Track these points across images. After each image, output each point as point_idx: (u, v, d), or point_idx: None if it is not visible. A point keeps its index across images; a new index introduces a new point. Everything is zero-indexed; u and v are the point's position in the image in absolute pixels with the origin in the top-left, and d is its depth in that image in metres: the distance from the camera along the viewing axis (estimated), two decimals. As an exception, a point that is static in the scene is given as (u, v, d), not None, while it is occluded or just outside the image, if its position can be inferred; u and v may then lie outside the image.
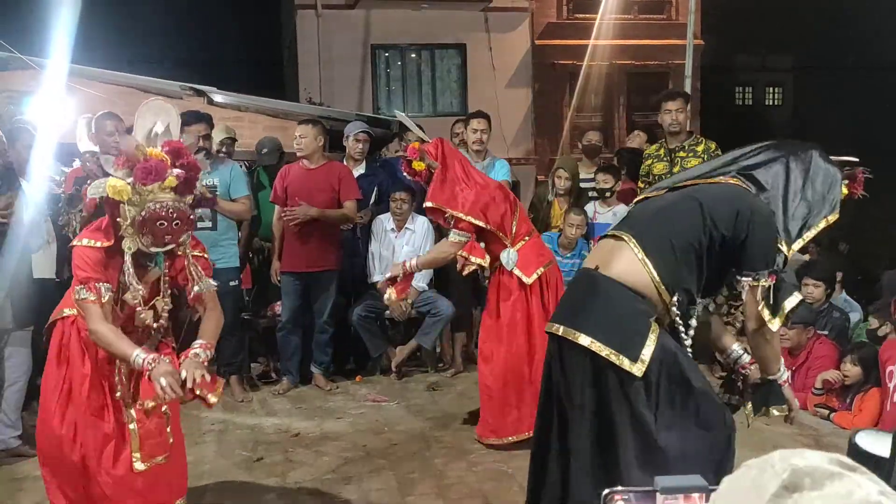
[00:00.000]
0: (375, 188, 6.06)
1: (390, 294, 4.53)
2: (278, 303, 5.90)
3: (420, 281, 5.66)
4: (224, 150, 6.17)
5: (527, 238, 4.41)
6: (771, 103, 28.00)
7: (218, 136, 5.94)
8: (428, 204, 4.36)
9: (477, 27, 15.72)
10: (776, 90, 27.98)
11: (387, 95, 15.83)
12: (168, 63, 14.66)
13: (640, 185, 5.93)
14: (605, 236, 2.69)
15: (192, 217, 2.82)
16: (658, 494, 1.12)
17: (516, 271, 4.33)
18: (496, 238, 4.35)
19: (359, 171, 5.94)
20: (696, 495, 1.12)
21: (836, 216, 2.63)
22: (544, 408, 2.64)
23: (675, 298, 2.47)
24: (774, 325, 2.51)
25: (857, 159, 2.77)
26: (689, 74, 8.24)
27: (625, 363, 2.36)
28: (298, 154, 5.58)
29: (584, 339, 2.41)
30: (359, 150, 6.00)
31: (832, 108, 21.41)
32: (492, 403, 4.37)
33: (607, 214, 6.11)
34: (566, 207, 6.14)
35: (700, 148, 5.60)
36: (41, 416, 3.10)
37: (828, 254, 8.27)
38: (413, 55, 16.03)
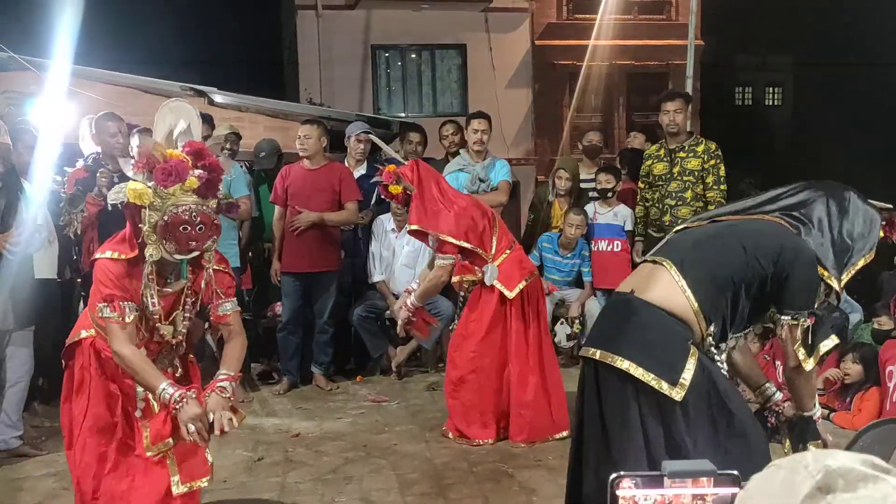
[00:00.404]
0: (376, 188, 6.06)
1: (417, 336, 4.74)
2: (279, 303, 5.91)
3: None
4: (229, 146, 6.16)
5: (508, 251, 4.45)
6: (771, 103, 27.99)
7: (222, 131, 5.96)
8: (412, 227, 4.40)
9: (477, 27, 15.72)
10: (776, 90, 27.96)
11: (387, 96, 15.82)
12: (169, 64, 14.66)
13: (640, 185, 5.94)
14: (644, 261, 2.70)
15: (216, 222, 2.67)
16: (666, 478, 1.12)
17: (498, 285, 4.36)
18: (477, 255, 4.39)
19: (360, 171, 5.95)
20: (703, 479, 1.12)
21: (873, 255, 2.65)
22: (578, 431, 2.63)
23: (711, 328, 2.47)
24: (808, 365, 2.53)
25: (891, 206, 2.82)
26: (690, 75, 8.24)
27: (664, 387, 2.35)
28: (301, 154, 5.59)
29: (622, 363, 2.39)
30: (360, 150, 6.01)
31: (832, 108, 21.40)
32: (458, 405, 4.46)
33: (608, 214, 6.12)
34: (566, 208, 6.15)
35: (700, 148, 5.61)
36: (76, 450, 2.94)
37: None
38: (413, 55, 16.03)
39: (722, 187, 5.56)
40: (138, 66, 10.02)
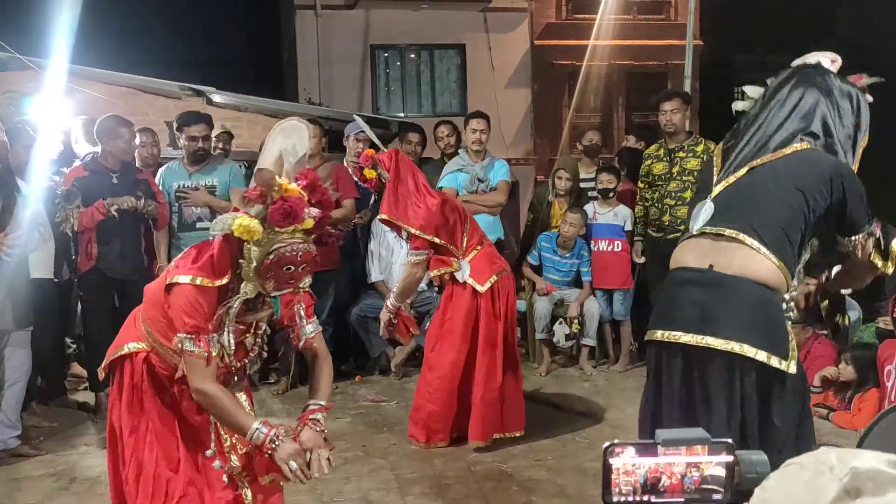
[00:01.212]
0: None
1: (399, 339, 4.69)
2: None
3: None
4: (221, 145, 6.16)
5: (478, 248, 4.43)
6: (770, 103, 27.95)
7: (214, 131, 5.96)
8: (382, 216, 4.37)
9: (476, 27, 15.71)
10: (775, 90, 27.92)
11: (386, 96, 15.81)
12: (167, 63, 14.64)
13: (640, 184, 5.94)
14: (697, 235, 2.48)
15: (317, 258, 2.48)
16: (659, 447, 1.11)
17: (470, 281, 4.34)
18: (448, 251, 4.37)
19: (358, 171, 5.94)
20: (698, 447, 1.12)
21: (867, 139, 2.59)
22: (653, 422, 2.47)
23: (794, 282, 2.41)
24: (890, 269, 2.46)
25: (877, 78, 2.71)
26: (688, 75, 8.24)
27: (774, 362, 2.26)
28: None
29: (725, 345, 2.28)
30: (359, 150, 6.00)
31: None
32: (425, 409, 4.40)
33: (608, 214, 6.11)
34: (566, 208, 6.14)
35: (699, 148, 5.61)
36: (128, 480, 2.65)
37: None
38: (412, 55, 16.02)
39: (722, 187, 5.55)
40: (137, 66, 10.01)
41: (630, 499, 1.13)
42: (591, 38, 14.24)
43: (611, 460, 1.12)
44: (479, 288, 4.32)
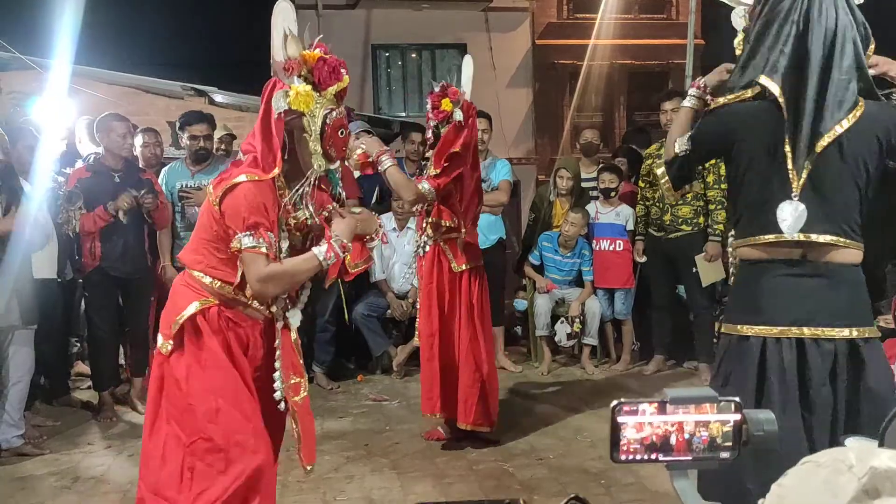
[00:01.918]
0: (377, 188, 6.07)
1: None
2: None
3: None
4: (223, 146, 6.18)
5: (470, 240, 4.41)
6: (771, 102, 27.95)
7: (216, 132, 5.98)
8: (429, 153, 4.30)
9: (477, 27, 15.71)
10: (777, 89, 27.93)
11: (387, 95, 15.82)
12: (169, 63, 14.65)
13: (641, 184, 5.95)
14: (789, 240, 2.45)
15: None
16: (668, 405, 1.12)
17: (449, 255, 4.31)
18: (455, 215, 4.30)
19: (358, 172, 5.95)
20: (707, 405, 1.12)
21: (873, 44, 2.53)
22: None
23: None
24: None
25: None
26: (689, 74, 8.23)
27: (868, 332, 2.44)
28: None
29: (845, 332, 2.39)
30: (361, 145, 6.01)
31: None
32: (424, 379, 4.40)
33: (610, 214, 6.12)
34: (568, 207, 6.15)
35: (701, 147, 5.61)
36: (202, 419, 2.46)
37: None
38: (413, 55, 16.02)
39: (723, 186, 5.56)
40: (139, 66, 10.02)
41: (638, 457, 1.12)
42: (593, 38, 14.23)
43: (619, 419, 1.13)
44: (455, 267, 4.30)
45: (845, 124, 2.38)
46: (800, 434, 2.37)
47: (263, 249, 2.34)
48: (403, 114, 14.44)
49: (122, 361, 5.65)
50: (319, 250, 2.43)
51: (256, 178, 2.34)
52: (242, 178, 2.34)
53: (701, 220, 5.62)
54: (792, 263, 2.44)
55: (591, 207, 6.18)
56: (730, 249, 2.75)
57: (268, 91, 2.39)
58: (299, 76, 2.37)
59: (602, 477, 3.86)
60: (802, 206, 2.38)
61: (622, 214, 6.09)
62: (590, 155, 6.75)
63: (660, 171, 2.71)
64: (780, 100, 2.40)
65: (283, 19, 2.42)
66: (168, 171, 5.49)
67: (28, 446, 4.38)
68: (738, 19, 2.68)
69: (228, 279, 2.45)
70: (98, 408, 5.08)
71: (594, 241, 6.14)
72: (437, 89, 4.32)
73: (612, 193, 6.10)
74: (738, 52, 2.62)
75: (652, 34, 16.23)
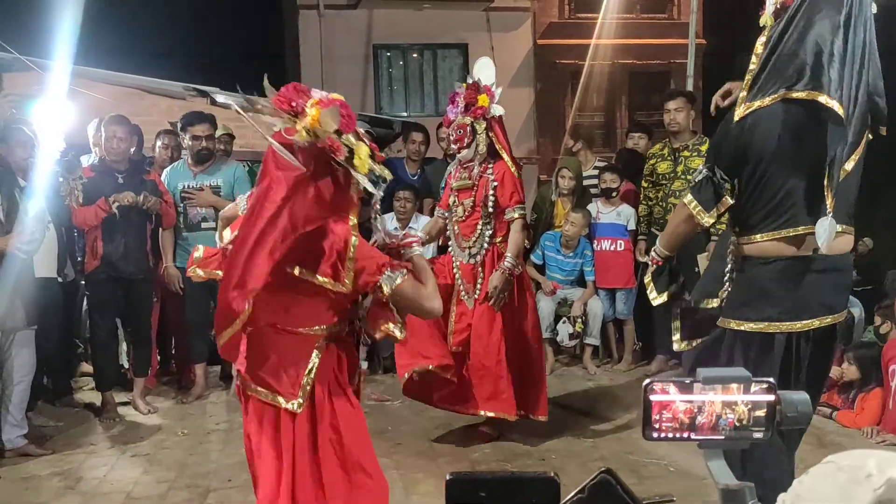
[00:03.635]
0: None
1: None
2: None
3: None
4: (223, 147, 6.18)
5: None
6: (773, 102, 27.94)
7: (216, 133, 5.98)
8: (502, 156, 4.36)
9: (479, 27, 15.71)
10: (778, 89, 27.91)
11: (389, 95, 15.83)
12: (171, 64, 14.67)
13: (644, 184, 5.94)
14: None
15: None
16: (696, 384, 1.12)
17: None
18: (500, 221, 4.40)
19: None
20: (734, 385, 1.11)
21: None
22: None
23: None
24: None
25: None
26: (691, 74, 8.24)
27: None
28: None
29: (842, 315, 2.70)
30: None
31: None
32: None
33: (611, 214, 6.12)
34: (570, 207, 6.14)
35: (704, 147, 5.61)
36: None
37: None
38: (415, 55, 16.03)
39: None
40: (140, 67, 10.01)
41: (671, 435, 1.13)
42: (594, 38, 14.23)
43: (651, 397, 1.12)
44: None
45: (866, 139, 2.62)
46: None
47: (407, 277, 2.39)
48: (405, 113, 14.44)
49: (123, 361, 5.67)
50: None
51: (353, 222, 2.41)
52: (353, 238, 2.39)
53: (703, 219, 5.61)
54: (809, 259, 2.61)
55: (593, 207, 6.18)
56: (731, 247, 2.77)
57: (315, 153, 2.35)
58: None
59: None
60: (834, 222, 2.48)
61: (623, 214, 6.09)
62: (591, 144, 6.76)
63: (686, 198, 2.76)
64: (842, 118, 2.48)
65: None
66: (170, 171, 5.50)
67: (31, 447, 4.39)
68: (771, 5, 2.70)
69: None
70: (101, 408, 5.09)
71: (595, 241, 6.13)
72: (461, 88, 4.36)
73: (614, 193, 6.09)
74: (759, 50, 2.68)
75: (653, 34, 16.22)
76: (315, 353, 2.46)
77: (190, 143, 5.39)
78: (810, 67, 2.49)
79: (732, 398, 1.11)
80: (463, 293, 4.40)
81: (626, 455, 4.10)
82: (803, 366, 2.63)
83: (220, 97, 8.85)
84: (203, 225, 5.34)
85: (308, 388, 2.44)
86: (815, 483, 0.86)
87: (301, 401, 2.42)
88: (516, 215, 4.32)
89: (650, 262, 2.93)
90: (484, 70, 4.43)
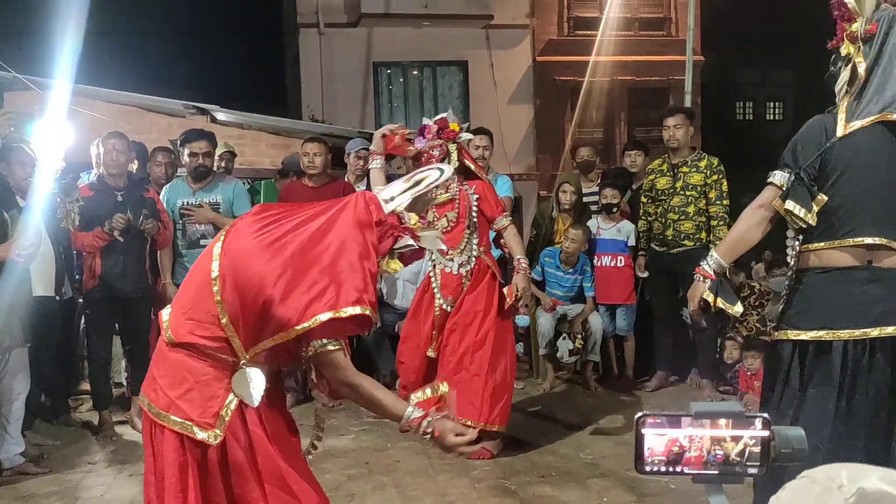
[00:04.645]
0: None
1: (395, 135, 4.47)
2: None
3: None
4: (224, 164, 6.20)
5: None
6: (772, 118, 28.05)
7: (217, 150, 5.99)
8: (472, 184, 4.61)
9: (478, 44, 15.80)
10: (777, 105, 28.04)
11: (389, 112, 15.89)
12: (171, 82, 14.73)
13: (644, 199, 5.94)
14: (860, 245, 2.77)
15: None
16: (682, 418, 1.11)
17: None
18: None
19: (360, 187, 5.96)
20: (722, 421, 1.11)
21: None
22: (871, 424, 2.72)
23: None
24: None
25: None
26: (688, 90, 8.28)
27: None
28: (310, 172, 5.60)
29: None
30: (359, 166, 6.03)
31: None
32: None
33: (611, 230, 6.12)
34: (570, 223, 6.14)
35: (702, 163, 5.63)
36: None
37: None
38: (415, 72, 16.11)
39: (725, 202, 5.57)
40: (141, 85, 10.07)
41: (663, 469, 1.12)
42: (593, 55, 14.32)
43: (642, 430, 1.12)
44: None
45: None
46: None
47: (341, 348, 2.19)
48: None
49: (121, 380, 5.65)
50: (414, 410, 2.21)
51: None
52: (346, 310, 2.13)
53: (703, 235, 5.62)
54: (868, 269, 2.71)
55: (593, 223, 6.18)
56: (791, 252, 2.88)
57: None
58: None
59: (605, 495, 3.84)
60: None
61: (623, 230, 6.09)
62: (587, 172, 6.76)
63: (789, 205, 2.78)
64: None
65: None
66: (169, 188, 5.51)
67: (29, 465, 4.36)
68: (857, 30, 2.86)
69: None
70: (98, 427, 5.07)
71: (595, 257, 6.13)
72: (431, 122, 4.58)
73: (614, 209, 6.09)
74: (860, 66, 2.81)
75: (652, 51, 16.31)
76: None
77: (188, 159, 5.41)
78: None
79: (724, 433, 1.11)
80: (442, 301, 4.59)
81: (626, 472, 4.07)
82: (866, 379, 2.65)
83: (221, 115, 8.89)
84: (202, 242, 5.33)
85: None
86: (791, 497, 0.87)
87: (219, 431, 2.18)
88: (506, 222, 4.62)
89: (702, 277, 2.91)
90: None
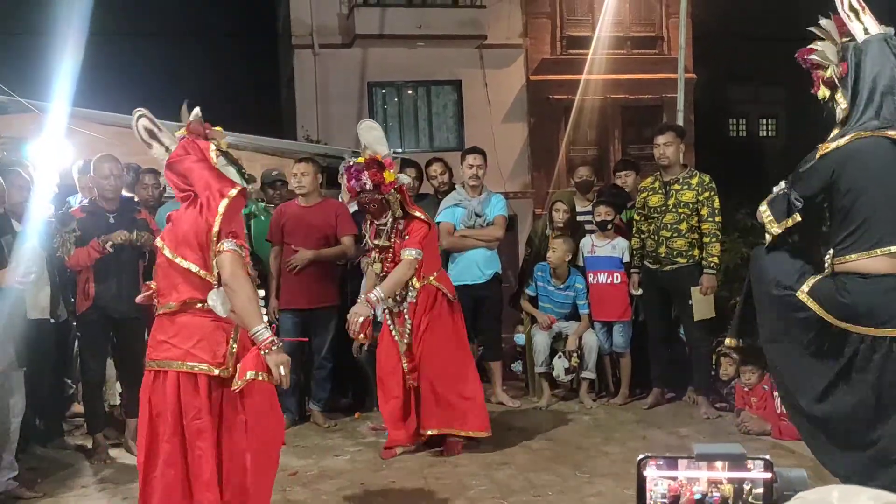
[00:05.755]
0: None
1: (360, 340, 4.80)
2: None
3: None
4: None
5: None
6: (765, 134, 28.20)
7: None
8: (416, 214, 4.76)
9: (472, 64, 15.89)
10: (770, 122, 28.20)
11: (384, 132, 15.92)
12: (166, 103, 14.78)
13: (636, 217, 5.96)
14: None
15: None
16: (678, 460, 1.11)
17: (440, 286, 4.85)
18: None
19: (354, 206, 5.96)
20: (718, 463, 1.10)
21: None
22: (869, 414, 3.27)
23: None
24: None
25: None
26: (681, 108, 8.33)
27: None
28: (298, 192, 5.62)
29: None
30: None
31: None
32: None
33: (606, 247, 6.12)
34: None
35: (694, 181, 5.65)
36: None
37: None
38: (409, 92, 16.18)
39: (717, 219, 5.59)
40: (135, 106, 10.09)
41: None
42: (585, 73, 14.40)
43: (644, 472, 1.11)
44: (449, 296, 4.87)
45: None
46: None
47: (242, 253, 3.06)
48: (399, 150, 14.53)
49: (115, 402, 5.62)
50: (263, 327, 2.95)
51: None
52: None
53: (696, 252, 5.63)
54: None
55: (587, 241, 6.19)
56: (828, 259, 3.30)
57: None
58: None
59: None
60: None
61: (618, 247, 6.10)
62: (585, 192, 6.79)
63: (762, 207, 3.33)
64: None
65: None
66: (165, 209, 5.50)
67: (22, 489, 4.33)
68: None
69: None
70: (92, 451, 5.03)
71: (591, 275, 6.13)
72: (352, 168, 4.87)
73: (609, 226, 6.10)
74: (841, 103, 3.29)
75: (644, 69, 16.42)
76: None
77: None
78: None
79: (725, 475, 1.11)
80: (395, 334, 4.86)
81: (623, 491, 4.06)
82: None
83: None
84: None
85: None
86: None
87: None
88: (411, 256, 4.64)
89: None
90: (370, 133, 4.96)
